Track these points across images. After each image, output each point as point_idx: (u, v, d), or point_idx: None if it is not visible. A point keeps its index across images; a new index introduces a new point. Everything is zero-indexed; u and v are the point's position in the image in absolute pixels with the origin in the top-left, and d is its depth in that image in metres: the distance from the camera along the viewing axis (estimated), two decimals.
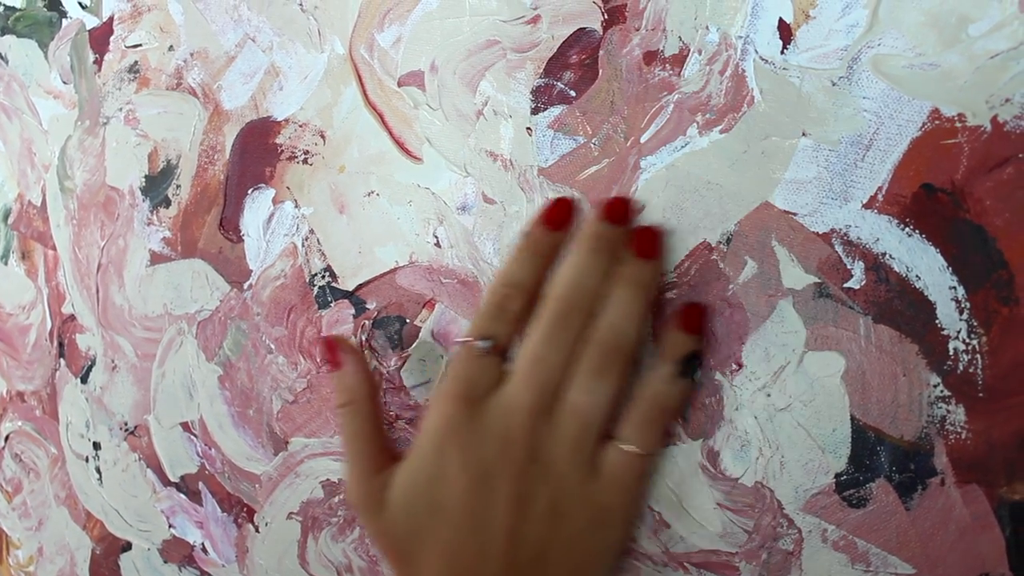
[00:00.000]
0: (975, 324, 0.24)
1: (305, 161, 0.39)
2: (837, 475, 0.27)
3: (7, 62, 0.53)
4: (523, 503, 0.28)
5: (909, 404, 0.26)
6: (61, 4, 0.49)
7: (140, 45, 0.46)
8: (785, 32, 0.27)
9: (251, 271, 0.42)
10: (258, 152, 0.41)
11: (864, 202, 0.26)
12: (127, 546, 0.51)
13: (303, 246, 0.40)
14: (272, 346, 0.41)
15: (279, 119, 0.40)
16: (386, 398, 0.38)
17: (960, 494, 0.25)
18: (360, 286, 0.38)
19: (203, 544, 0.47)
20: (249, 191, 0.41)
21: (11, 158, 0.54)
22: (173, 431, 0.47)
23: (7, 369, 0.57)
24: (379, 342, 0.38)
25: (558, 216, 0.31)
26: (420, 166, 0.36)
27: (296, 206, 0.40)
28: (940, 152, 0.25)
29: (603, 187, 0.31)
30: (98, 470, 0.52)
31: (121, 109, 0.47)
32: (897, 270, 0.26)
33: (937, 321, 0.25)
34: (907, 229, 0.25)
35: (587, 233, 0.30)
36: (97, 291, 0.49)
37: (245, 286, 0.42)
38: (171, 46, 0.44)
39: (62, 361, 0.53)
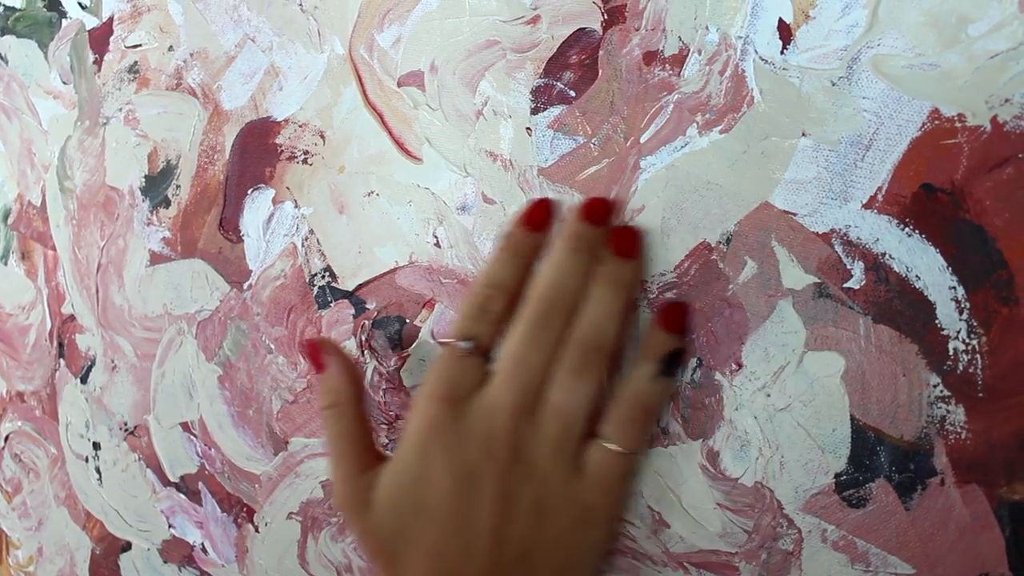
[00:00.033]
0: (975, 324, 0.24)
1: (305, 161, 0.39)
2: (837, 475, 0.27)
3: (7, 62, 0.53)
4: (507, 503, 0.29)
5: (909, 404, 0.26)
6: (61, 4, 0.49)
7: (140, 45, 0.46)
8: (785, 32, 0.27)
9: (251, 271, 0.42)
10: (258, 152, 0.41)
11: (864, 202, 0.26)
12: (127, 546, 0.51)
13: (303, 246, 0.40)
14: (272, 346, 0.41)
15: (279, 119, 0.40)
16: (386, 398, 0.38)
17: (960, 494, 0.25)
18: (360, 286, 0.38)
19: (203, 544, 0.47)
20: (249, 191, 0.41)
21: (11, 158, 0.54)
22: (173, 431, 0.47)
23: (7, 369, 0.57)
24: (379, 342, 0.38)
25: (538, 217, 0.31)
26: (420, 166, 0.36)
27: (296, 206, 0.40)
28: (940, 152, 0.25)
29: (603, 187, 0.31)
30: (98, 470, 0.52)
31: (121, 109, 0.47)
32: (897, 270, 0.26)
33: (937, 321, 0.25)
34: (907, 229, 0.25)
35: (567, 233, 0.30)
36: (97, 291, 0.49)
37: (245, 286, 0.42)
38: (171, 46, 0.44)
39: (62, 361, 0.53)
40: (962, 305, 0.25)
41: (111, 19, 0.47)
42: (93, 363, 0.50)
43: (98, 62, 0.48)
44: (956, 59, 0.24)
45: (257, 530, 0.44)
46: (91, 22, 0.48)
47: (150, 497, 0.49)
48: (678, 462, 0.30)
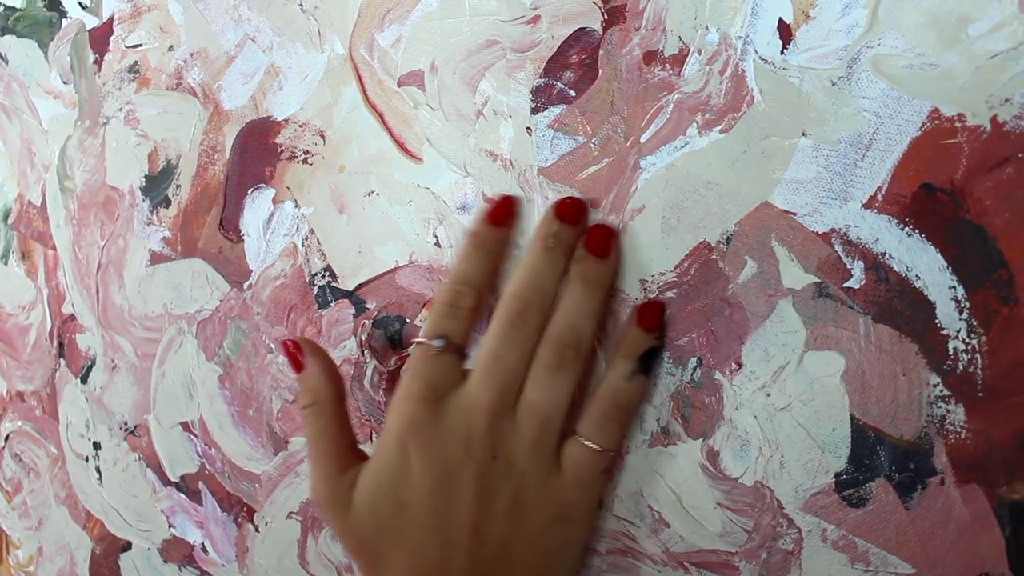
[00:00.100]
0: (975, 324, 0.24)
1: (305, 161, 0.39)
2: (837, 475, 0.27)
3: (7, 62, 0.53)
4: (486, 501, 0.29)
5: (909, 404, 0.26)
6: (61, 4, 0.49)
7: (140, 45, 0.46)
8: (785, 32, 0.27)
9: (251, 271, 0.42)
10: (258, 152, 0.41)
11: (864, 202, 0.26)
12: (127, 546, 0.51)
13: (303, 246, 0.40)
14: (272, 346, 0.41)
15: (279, 119, 0.40)
16: (386, 398, 0.38)
17: (960, 494, 0.25)
18: (360, 286, 0.38)
19: (203, 544, 0.47)
20: (249, 191, 0.41)
21: (11, 158, 0.54)
22: (173, 431, 0.47)
23: (7, 369, 0.57)
24: (379, 342, 0.38)
25: (501, 212, 0.32)
26: (420, 166, 0.36)
27: (296, 206, 0.40)
28: (940, 152, 0.25)
29: (603, 187, 0.31)
30: (98, 470, 0.52)
31: (121, 109, 0.47)
32: (897, 270, 0.26)
33: (937, 321, 0.25)
34: (907, 229, 0.25)
35: (542, 232, 0.31)
36: (97, 291, 0.49)
37: (245, 286, 0.42)
38: (171, 46, 0.44)
39: (62, 361, 0.53)
40: (962, 305, 0.25)
41: (111, 19, 0.47)
42: (93, 363, 0.51)
43: (98, 62, 0.48)
44: (956, 59, 0.24)
45: (257, 530, 0.44)
46: (91, 22, 0.48)
47: (150, 497, 0.49)
48: (678, 462, 0.30)
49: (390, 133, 0.36)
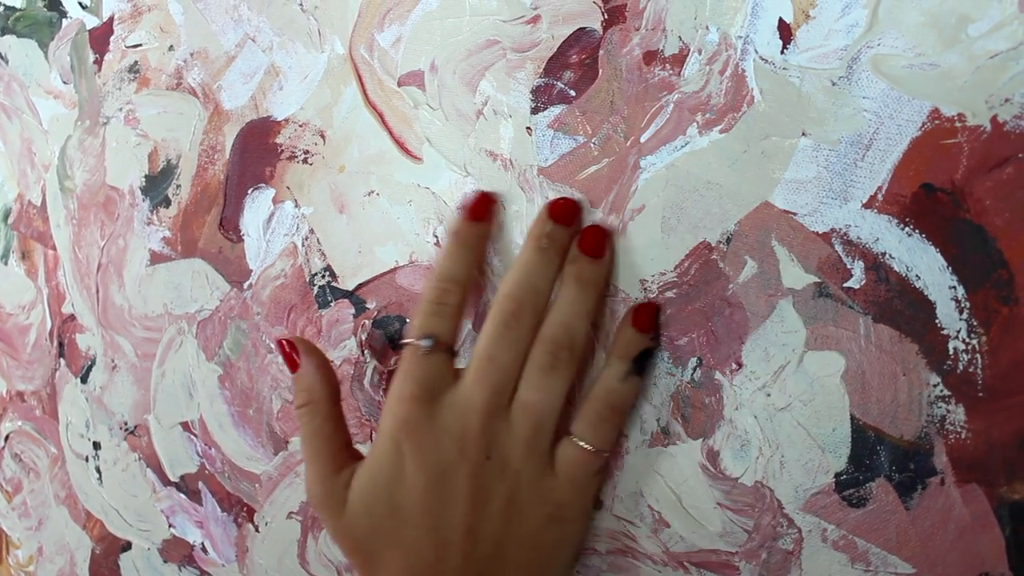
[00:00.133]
0: (975, 324, 0.24)
1: (305, 161, 0.39)
2: (837, 475, 0.27)
3: (7, 62, 0.53)
4: (480, 501, 0.29)
5: (909, 404, 0.26)
6: (61, 4, 0.49)
7: (140, 45, 0.46)
8: (785, 32, 0.27)
9: (251, 271, 0.42)
10: (258, 152, 0.41)
11: (864, 202, 0.26)
12: (127, 546, 0.51)
13: (303, 246, 0.40)
14: (272, 346, 0.41)
15: (279, 119, 0.40)
16: (386, 398, 0.38)
17: (960, 494, 0.25)
18: (360, 286, 0.38)
19: (203, 544, 0.47)
20: (249, 191, 0.41)
21: (11, 158, 0.54)
22: (173, 431, 0.47)
23: (7, 369, 0.57)
24: (379, 342, 0.38)
25: (479, 208, 0.33)
26: (420, 166, 0.36)
27: (296, 206, 0.40)
28: (940, 152, 0.25)
29: (603, 187, 0.31)
30: (98, 470, 0.52)
31: (121, 109, 0.47)
32: (897, 270, 0.26)
33: (937, 321, 0.25)
34: (907, 229, 0.25)
35: (535, 232, 0.31)
36: (97, 291, 0.49)
37: (245, 286, 0.42)
38: (171, 46, 0.44)
39: (62, 361, 0.53)
40: (962, 305, 0.25)
41: (111, 19, 0.47)
42: (93, 363, 0.51)
43: (98, 62, 0.48)
44: (956, 59, 0.24)
45: (257, 530, 0.44)
46: (91, 22, 0.48)
47: (150, 497, 0.49)
48: (678, 462, 0.30)
49: (390, 133, 0.36)
